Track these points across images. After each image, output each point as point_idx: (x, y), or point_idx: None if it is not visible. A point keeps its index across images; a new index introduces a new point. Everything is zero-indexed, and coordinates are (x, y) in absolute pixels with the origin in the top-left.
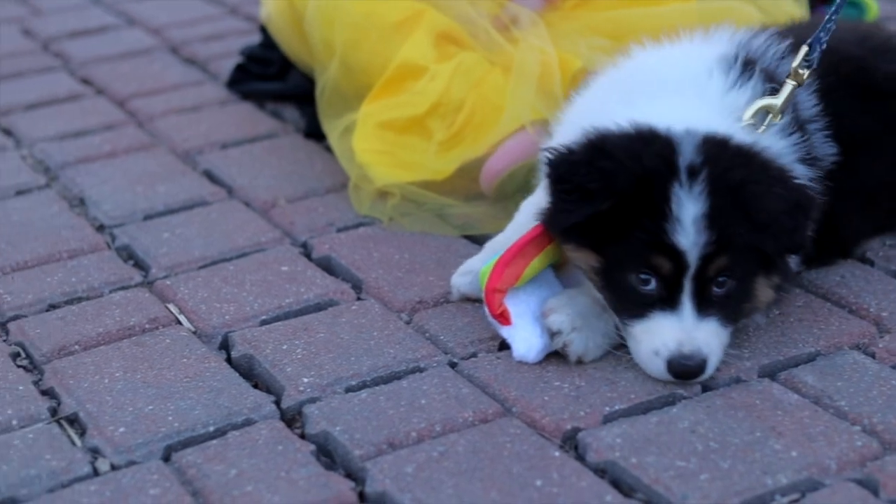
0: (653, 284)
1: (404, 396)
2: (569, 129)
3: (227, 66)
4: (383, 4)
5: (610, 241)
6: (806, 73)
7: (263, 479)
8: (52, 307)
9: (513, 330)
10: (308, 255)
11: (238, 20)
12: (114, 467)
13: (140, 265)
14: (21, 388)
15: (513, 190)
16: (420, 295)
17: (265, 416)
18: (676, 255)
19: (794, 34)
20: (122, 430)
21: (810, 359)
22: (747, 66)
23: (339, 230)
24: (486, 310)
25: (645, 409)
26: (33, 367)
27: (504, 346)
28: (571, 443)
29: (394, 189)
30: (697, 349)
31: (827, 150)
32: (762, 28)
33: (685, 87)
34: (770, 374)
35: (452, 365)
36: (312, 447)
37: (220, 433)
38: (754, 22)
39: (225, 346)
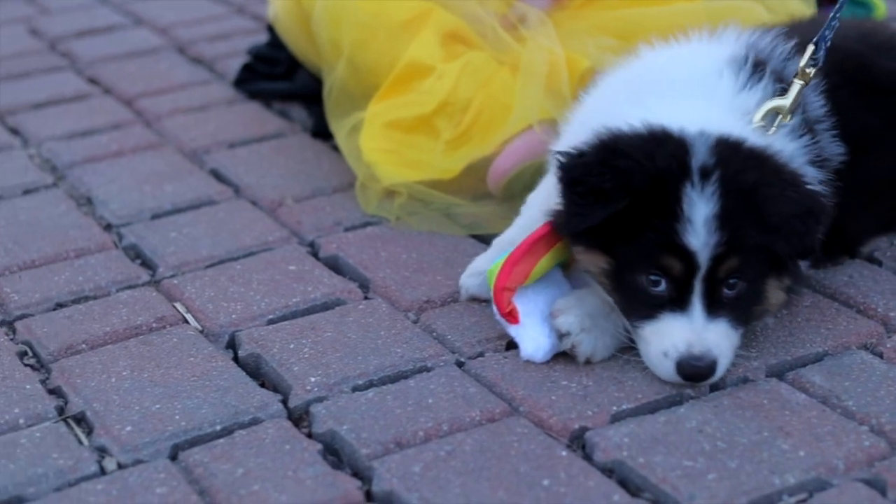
0: (663, 285)
1: (411, 396)
2: (578, 129)
3: (234, 65)
4: (391, 4)
5: (620, 242)
6: (812, 71)
7: (270, 478)
8: (60, 306)
9: (521, 329)
10: (315, 255)
11: (245, 19)
12: (121, 466)
13: (147, 264)
14: (28, 386)
15: (520, 189)
16: (427, 294)
17: (272, 415)
18: (687, 256)
19: (799, 33)
20: (129, 428)
21: (818, 359)
22: (757, 66)
23: (347, 229)
24: (495, 308)
25: (652, 408)
26: (40, 366)
27: (511, 345)
28: (579, 442)
29: (401, 188)
30: (707, 350)
31: (835, 150)
32: (768, 27)
33: (695, 88)
34: (778, 373)
35: (460, 364)
36: (319, 446)
37: (227, 432)
38: (761, 21)
39: (232, 345)
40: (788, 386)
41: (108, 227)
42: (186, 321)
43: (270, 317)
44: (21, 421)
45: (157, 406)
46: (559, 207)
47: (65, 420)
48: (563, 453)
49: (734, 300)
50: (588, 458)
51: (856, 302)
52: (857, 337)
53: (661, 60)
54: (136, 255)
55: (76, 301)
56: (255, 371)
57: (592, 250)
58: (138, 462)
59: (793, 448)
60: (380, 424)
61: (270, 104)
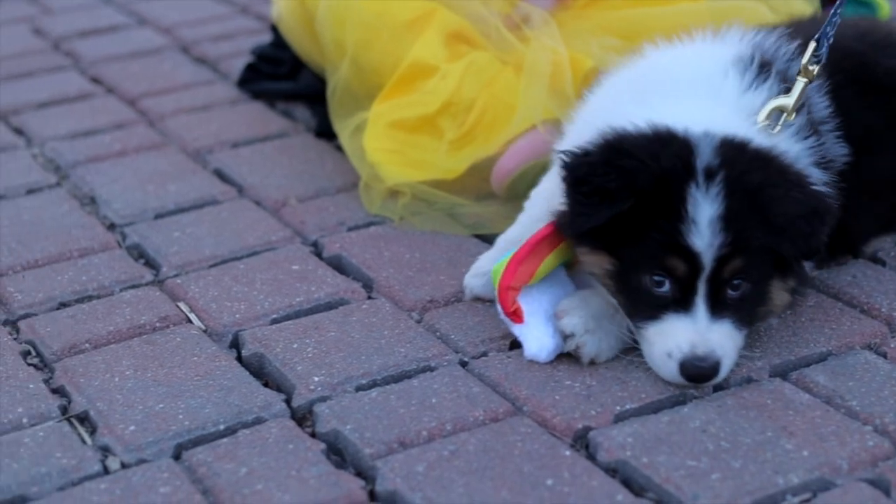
0: (667, 286)
1: (415, 395)
2: (582, 129)
3: (237, 65)
4: (395, 4)
5: (625, 242)
6: (816, 69)
7: (274, 478)
8: (63, 305)
9: (525, 328)
10: (319, 254)
11: (249, 19)
12: (124, 465)
13: (151, 264)
14: (31, 386)
15: (524, 189)
16: (431, 294)
17: (275, 414)
18: (691, 257)
19: (802, 33)
20: (132, 428)
21: (822, 359)
22: (763, 67)
23: (350, 229)
24: (499, 307)
25: (656, 408)
26: (44, 366)
27: (515, 345)
28: (582, 442)
29: (405, 188)
30: (711, 351)
31: (839, 151)
32: (772, 27)
33: (700, 88)
34: (781, 373)
35: (463, 364)
36: (323, 446)
37: (231, 431)
38: (765, 21)
39: (235, 344)
40: (792, 386)
41: (111, 227)
42: (190, 321)
43: (274, 316)
44: (24, 420)
45: (161, 405)
46: (563, 208)
47: (68, 419)
48: (567, 453)
49: (738, 301)
50: (591, 457)
51: (859, 302)
52: (861, 337)
53: (666, 60)
54: (140, 254)
55: (79, 300)
56: (259, 371)
57: (596, 251)
58: (142, 461)
59: (796, 448)
60: (383, 424)
61: (274, 104)
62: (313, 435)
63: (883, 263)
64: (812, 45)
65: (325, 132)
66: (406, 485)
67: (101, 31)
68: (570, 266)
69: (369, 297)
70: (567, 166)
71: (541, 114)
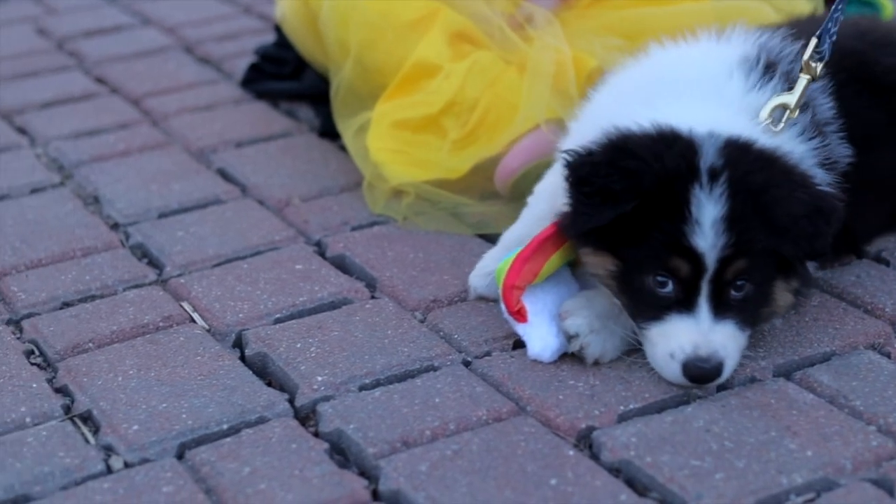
0: (670, 287)
1: (418, 395)
2: (586, 127)
3: (241, 65)
4: (398, 4)
5: (628, 243)
6: (819, 66)
7: (277, 477)
8: (66, 305)
9: (529, 328)
10: (322, 254)
11: (252, 19)
12: (127, 465)
13: (154, 263)
14: (35, 385)
15: (527, 189)
16: (434, 294)
17: (279, 414)
18: (694, 258)
19: (806, 32)
20: (135, 427)
21: (825, 358)
22: (769, 68)
23: (354, 229)
24: (503, 306)
25: (660, 408)
26: (47, 365)
27: (518, 344)
28: (586, 442)
29: (408, 188)
30: (714, 352)
31: (843, 151)
32: (776, 27)
33: (705, 88)
34: (785, 373)
35: (466, 363)
36: (326, 445)
37: (234, 431)
38: (769, 21)
39: (239, 344)
40: (796, 386)
41: (115, 227)
42: (193, 320)
43: (277, 316)
44: (27, 420)
45: (164, 405)
46: (566, 208)
47: (71, 419)
48: (571, 453)
49: (741, 302)
50: (595, 457)
51: (863, 302)
52: (865, 337)
53: (671, 60)
54: (143, 254)
55: (83, 300)
56: (262, 370)
57: (599, 252)
58: (145, 461)
59: (800, 448)
60: (386, 423)
61: (278, 104)
62: (316, 434)
63: (887, 263)
64: (813, 41)
65: (329, 132)
66: (409, 484)
67: (105, 30)
68: (574, 265)
69: (373, 297)
70: (570, 166)
71: (544, 113)
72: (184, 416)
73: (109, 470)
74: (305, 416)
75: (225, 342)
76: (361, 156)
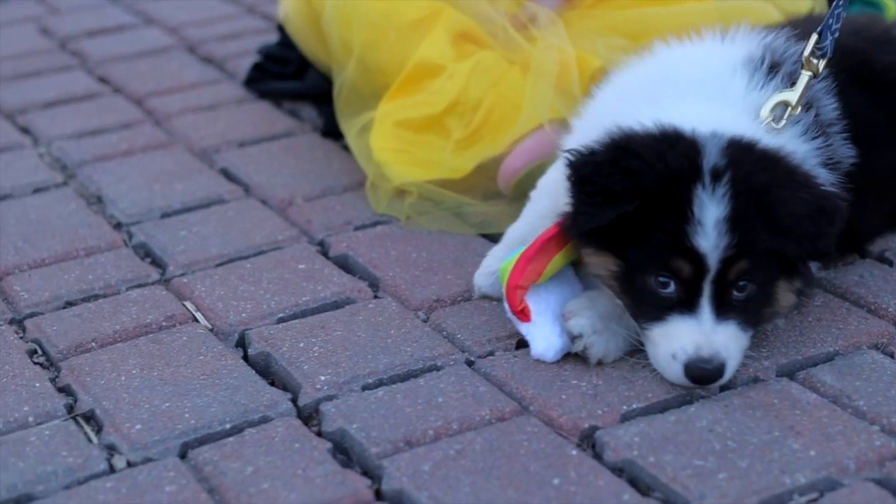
0: (672, 287)
1: (421, 394)
2: (589, 126)
3: (244, 64)
4: (401, 3)
5: (630, 243)
6: (821, 63)
7: (280, 477)
8: (69, 304)
9: (532, 327)
10: (325, 254)
11: (255, 19)
12: (130, 464)
13: (157, 263)
14: (37, 385)
15: (530, 189)
16: (437, 293)
17: (282, 413)
18: (696, 258)
19: (808, 32)
20: (138, 427)
21: (829, 358)
22: (773, 68)
23: (357, 228)
24: (506, 306)
25: (662, 407)
26: (50, 365)
27: (521, 344)
28: (589, 441)
29: (411, 187)
30: (716, 352)
31: (846, 152)
32: (779, 27)
33: (709, 88)
34: (788, 373)
35: (469, 363)
36: (329, 445)
37: (237, 430)
38: (772, 20)
39: (241, 343)
40: (799, 385)
41: (117, 226)
42: (196, 320)
43: (280, 315)
44: (30, 419)
45: (167, 404)
46: (568, 208)
47: (74, 418)
48: (574, 452)
49: (744, 302)
50: (598, 457)
51: (866, 302)
52: (868, 337)
53: (675, 59)
54: (146, 253)
55: (86, 299)
56: (265, 370)
57: (601, 252)
58: (148, 460)
59: (803, 448)
60: (389, 423)
61: (281, 103)
62: (319, 434)
63: (890, 263)
64: (814, 37)
65: (332, 132)
66: (412, 484)
67: (108, 30)
68: (578, 265)
69: (376, 297)
70: (572, 165)
71: (548, 113)
72: (187, 415)
73: (112, 469)
74: (308, 416)
75: (228, 342)
76: (364, 155)
